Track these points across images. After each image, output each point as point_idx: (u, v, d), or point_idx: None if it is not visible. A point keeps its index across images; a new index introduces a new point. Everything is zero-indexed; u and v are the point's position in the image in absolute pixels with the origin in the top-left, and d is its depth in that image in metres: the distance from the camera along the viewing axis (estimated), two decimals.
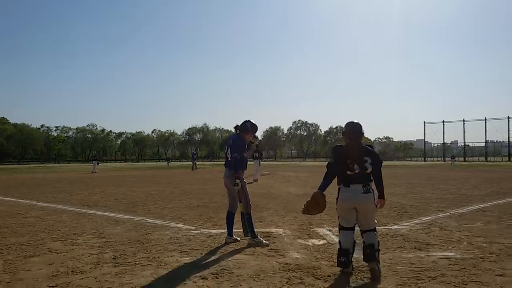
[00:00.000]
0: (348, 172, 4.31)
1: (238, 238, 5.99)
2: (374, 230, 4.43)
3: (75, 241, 6.14)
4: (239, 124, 6.02)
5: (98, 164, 37.44)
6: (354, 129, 4.46)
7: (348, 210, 4.37)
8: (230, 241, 5.90)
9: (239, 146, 5.84)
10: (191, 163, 44.36)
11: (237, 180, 5.71)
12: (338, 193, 4.43)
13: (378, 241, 4.43)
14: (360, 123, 4.50)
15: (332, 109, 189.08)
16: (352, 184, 4.31)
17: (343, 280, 4.19)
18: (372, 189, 4.38)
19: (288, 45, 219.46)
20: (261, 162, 22.48)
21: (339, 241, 4.47)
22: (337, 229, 4.68)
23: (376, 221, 4.50)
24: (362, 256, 4.36)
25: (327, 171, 4.50)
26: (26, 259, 5.12)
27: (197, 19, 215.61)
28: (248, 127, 5.97)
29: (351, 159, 4.32)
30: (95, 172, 33.42)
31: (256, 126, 6.07)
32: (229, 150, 5.91)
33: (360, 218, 4.38)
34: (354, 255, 4.47)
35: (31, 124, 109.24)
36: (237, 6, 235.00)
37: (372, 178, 4.39)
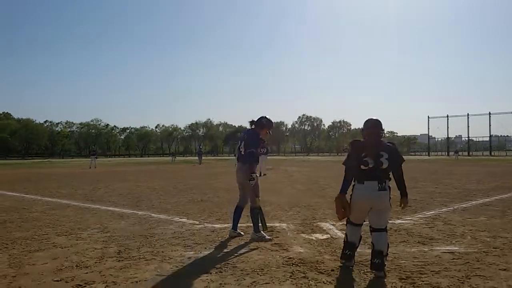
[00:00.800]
0: (362, 167, 4.16)
1: (242, 233, 6.00)
2: (385, 230, 4.26)
3: (80, 235, 6.17)
4: (255, 120, 6.04)
5: (96, 158, 36.54)
6: (372, 125, 4.33)
7: (361, 210, 4.27)
8: (234, 235, 5.92)
9: (255, 141, 5.85)
10: (194, 157, 44.64)
11: (253, 175, 5.73)
12: (352, 190, 4.29)
13: (388, 244, 4.26)
14: (380, 119, 4.38)
15: (335, 104, 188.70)
16: (366, 181, 4.15)
17: (347, 274, 4.20)
18: (389, 187, 4.22)
19: (291, 41, 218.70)
20: (267, 157, 22.71)
21: (345, 234, 4.46)
22: (340, 223, 4.68)
23: (388, 221, 4.37)
24: (370, 264, 4.20)
25: (345, 170, 4.36)
26: (31, 253, 5.15)
27: (200, 14, 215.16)
28: (264, 123, 5.98)
29: (366, 152, 4.18)
30: (95, 167, 32.59)
31: (272, 122, 6.08)
32: (242, 144, 5.91)
33: (373, 216, 4.24)
34: (358, 249, 4.49)
35: (35, 120, 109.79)
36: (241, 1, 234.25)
37: (390, 175, 4.26)
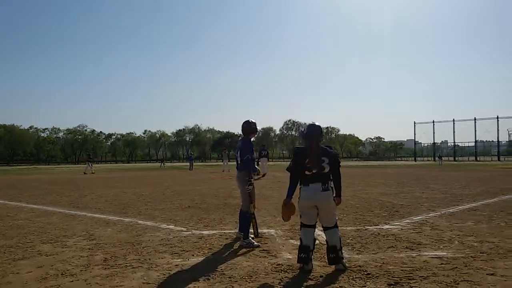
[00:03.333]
0: (307, 172, 4.50)
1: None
2: (336, 226, 4.62)
3: (65, 243, 6.08)
4: (243, 126, 6.18)
5: (91, 164, 36.65)
6: (313, 131, 4.67)
7: (308, 209, 4.55)
8: (240, 236, 5.99)
9: (248, 148, 6.03)
10: (182, 163, 44.35)
11: (251, 180, 5.97)
12: (300, 192, 4.59)
13: (340, 238, 4.62)
14: (320, 125, 4.74)
15: (323, 109, 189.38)
16: (311, 183, 4.49)
17: (336, 280, 4.19)
18: (331, 187, 4.58)
19: (280, 48, 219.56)
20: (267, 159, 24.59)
21: (300, 238, 4.64)
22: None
23: (337, 218, 4.70)
24: (327, 260, 4.58)
25: (290, 176, 4.65)
26: (15, 262, 5.06)
27: (190, 23, 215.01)
28: (253, 128, 6.16)
29: (309, 159, 4.50)
30: (93, 172, 32.94)
31: (250, 123, 6.16)
32: (238, 153, 6.07)
33: (321, 215, 4.57)
34: (346, 255, 4.60)
35: (21, 125, 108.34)
36: (231, 8, 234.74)
37: (331, 177, 4.60)
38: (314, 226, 4.64)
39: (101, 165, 79.98)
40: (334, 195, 4.61)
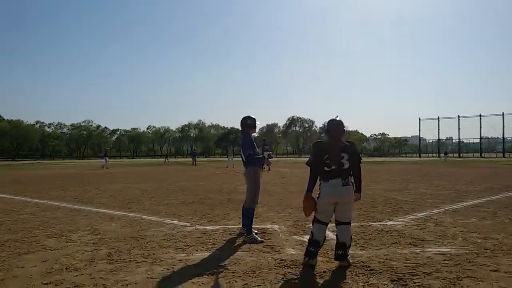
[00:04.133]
0: (326, 168, 4.46)
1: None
2: (349, 223, 4.58)
3: (70, 238, 6.11)
4: (241, 124, 6.21)
5: (107, 159, 38.15)
6: (335, 127, 4.60)
7: (328, 205, 4.51)
8: (243, 232, 6.03)
9: (248, 144, 6.05)
10: (186, 159, 44.64)
11: (269, 159, 6.24)
12: (319, 188, 4.57)
13: (351, 236, 4.60)
14: (342, 120, 4.64)
15: (328, 105, 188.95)
16: (331, 179, 4.46)
17: (339, 276, 4.19)
18: (352, 182, 4.54)
19: (283, 43, 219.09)
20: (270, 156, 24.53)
21: (311, 232, 4.63)
22: (334, 225, 4.71)
23: (352, 215, 4.68)
24: (334, 256, 4.55)
25: (311, 171, 4.61)
26: (20, 256, 5.09)
27: (192, 18, 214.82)
28: (250, 124, 6.17)
29: (329, 155, 4.46)
30: (107, 168, 33.71)
31: (254, 119, 6.19)
32: (242, 150, 6.13)
33: (339, 210, 4.52)
34: (350, 251, 4.59)
35: (27, 121, 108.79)
36: (233, 4, 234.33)
37: (351, 173, 4.55)
38: (327, 224, 4.61)
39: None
40: (354, 190, 4.57)
